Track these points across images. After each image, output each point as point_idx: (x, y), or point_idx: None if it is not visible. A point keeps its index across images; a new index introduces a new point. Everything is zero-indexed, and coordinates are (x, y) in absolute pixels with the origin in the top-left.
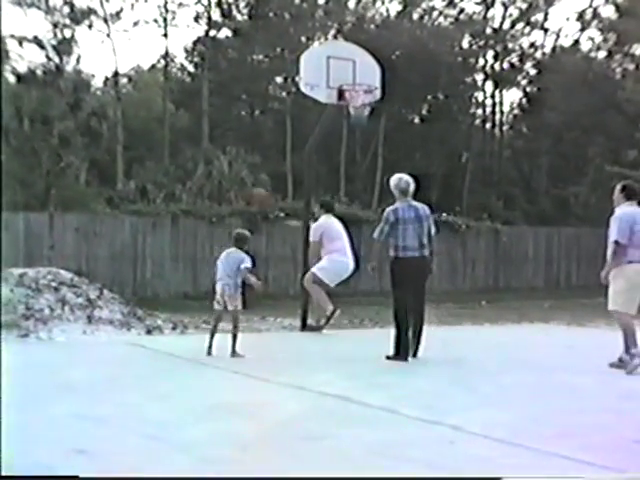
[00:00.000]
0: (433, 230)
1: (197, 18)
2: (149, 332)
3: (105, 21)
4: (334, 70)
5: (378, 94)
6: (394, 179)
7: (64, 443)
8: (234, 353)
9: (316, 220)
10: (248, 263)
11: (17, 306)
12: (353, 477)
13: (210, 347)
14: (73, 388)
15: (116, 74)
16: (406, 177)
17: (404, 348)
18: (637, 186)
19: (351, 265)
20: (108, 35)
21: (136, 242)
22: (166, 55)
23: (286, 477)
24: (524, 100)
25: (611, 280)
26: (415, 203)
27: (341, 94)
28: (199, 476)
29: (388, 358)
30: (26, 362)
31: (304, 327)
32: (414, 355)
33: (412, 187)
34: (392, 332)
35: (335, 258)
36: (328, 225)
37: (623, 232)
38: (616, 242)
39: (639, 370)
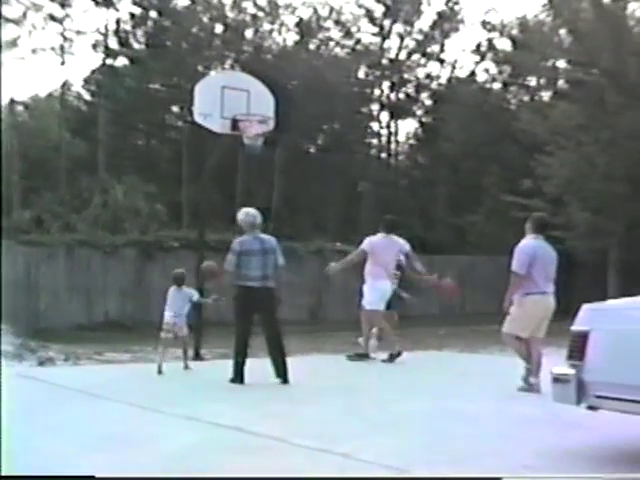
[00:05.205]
0: (280, 261)
1: (95, 46)
2: (41, 364)
3: None
4: (228, 100)
5: (272, 124)
6: (241, 214)
7: None
8: (186, 367)
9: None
10: (196, 296)
11: None
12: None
13: (160, 367)
14: None
15: (12, 102)
16: (253, 211)
17: (240, 373)
18: (546, 220)
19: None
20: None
21: (29, 273)
22: (63, 83)
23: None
24: (420, 130)
25: (512, 309)
26: (262, 235)
27: (235, 124)
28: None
29: (231, 381)
30: None
31: (197, 356)
32: (284, 381)
33: (259, 220)
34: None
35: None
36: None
37: (522, 264)
38: (515, 273)
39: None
